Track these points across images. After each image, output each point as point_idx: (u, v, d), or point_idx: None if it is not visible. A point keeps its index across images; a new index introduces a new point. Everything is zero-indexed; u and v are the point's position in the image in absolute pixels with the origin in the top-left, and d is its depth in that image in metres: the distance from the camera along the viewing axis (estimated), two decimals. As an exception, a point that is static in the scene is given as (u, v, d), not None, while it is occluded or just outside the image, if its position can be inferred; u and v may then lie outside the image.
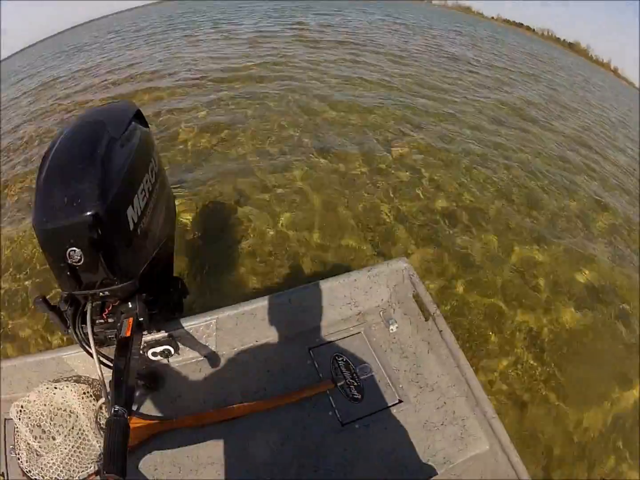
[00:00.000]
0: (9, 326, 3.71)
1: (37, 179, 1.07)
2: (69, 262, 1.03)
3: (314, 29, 15.17)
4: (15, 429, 1.58)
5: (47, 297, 1.16)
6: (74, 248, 1.02)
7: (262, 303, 1.49)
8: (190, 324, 1.43)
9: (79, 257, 1.03)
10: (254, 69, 8.76)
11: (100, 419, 1.40)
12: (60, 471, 1.41)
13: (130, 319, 1.14)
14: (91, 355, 1.13)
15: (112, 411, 0.94)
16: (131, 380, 1.06)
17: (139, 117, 1.25)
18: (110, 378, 1.03)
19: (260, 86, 7.62)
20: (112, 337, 1.17)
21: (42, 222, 1.03)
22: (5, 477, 1.52)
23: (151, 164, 1.24)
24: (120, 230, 1.08)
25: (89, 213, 1.00)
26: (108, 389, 1.04)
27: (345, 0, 26.21)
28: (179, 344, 1.44)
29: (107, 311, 1.18)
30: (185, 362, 1.52)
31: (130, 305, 1.16)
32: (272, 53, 10.43)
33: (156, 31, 20.14)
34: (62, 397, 1.52)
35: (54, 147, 1.09)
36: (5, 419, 1.69)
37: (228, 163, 4.93)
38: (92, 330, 1.11)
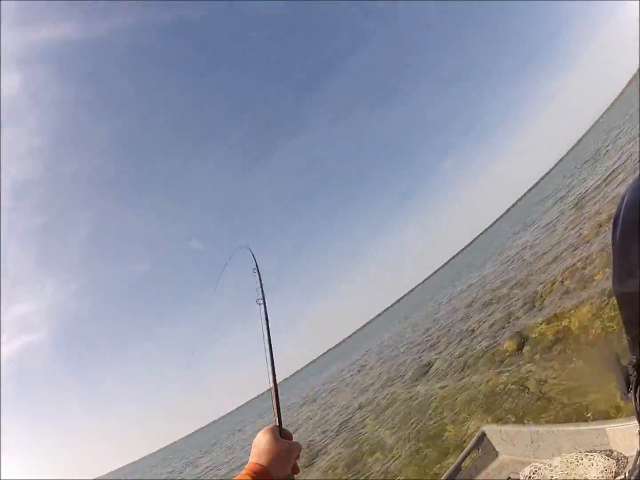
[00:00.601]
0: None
1: (612, 237, 1.07)
2: None
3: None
4: None
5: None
6: None
7: None
8: None
9: None
10: None
11: None
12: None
13: None
14: None
15: None
16: None
17: None
18: None
19: None
20: None
21: (621, 280, 1.02)
22: None
23: None
24: None
25: None
26: (631, 466, 1.07)
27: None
28: None
29: None
30: None
31: None
32: None
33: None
34: (584, 470, 1.63)
35: (624, 204, 1.08)
36: (510, 477, 1.90)
37: None
38: None
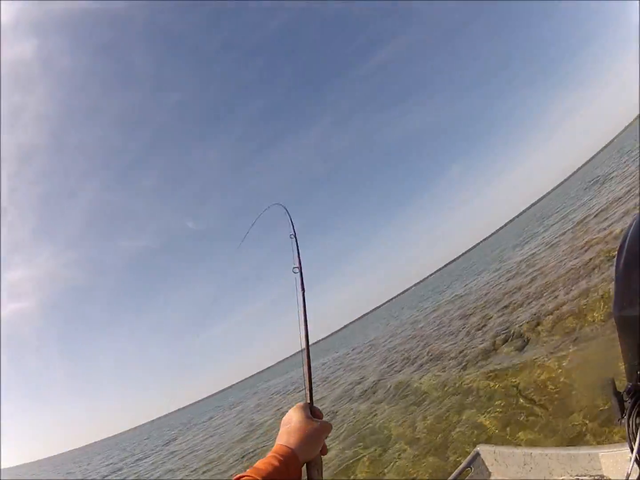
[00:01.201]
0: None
1: (615, 266, 1.10)
2: None
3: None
4: None
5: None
6: None
7: None
8: None
9: None
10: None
11: None
12: None
13: None
14: (631, 449, 1.10)
15: None
16: None
17: None
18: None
19: None
20: None
21: (622, 307, 1.05)
22: None
23: None
24: None
25: None
26: None
27: None
28: None
29: None
30: None
31: None
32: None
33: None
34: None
35: (629, 233, 1.11)
36: None
37: None
38: (637, 425, 1.09)
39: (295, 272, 1.18)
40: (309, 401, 1.17)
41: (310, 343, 1.17)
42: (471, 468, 2.24)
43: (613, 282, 1.10)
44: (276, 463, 1.15)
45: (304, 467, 1.18)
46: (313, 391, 1.19)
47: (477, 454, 2.31)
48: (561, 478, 1.65)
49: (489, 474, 2.22)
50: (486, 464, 2.25)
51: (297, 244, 1.22)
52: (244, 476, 1.15)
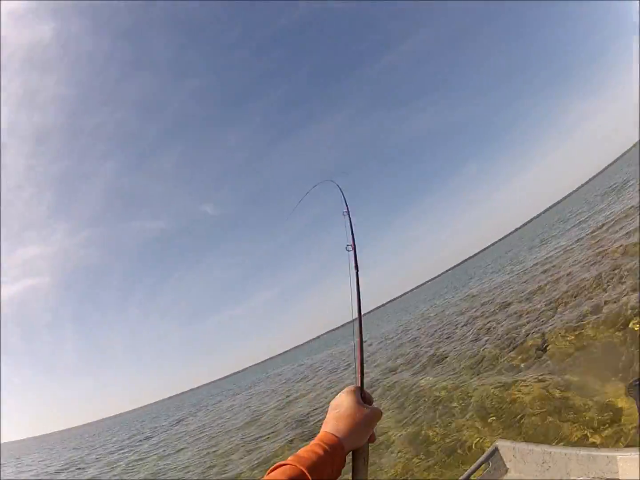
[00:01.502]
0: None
1: None
2: None
3: None
4: None
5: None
6: None
7: None
8: None
9: None
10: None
11: None
12: None
13: None
14: None
15: None
16: None
17: None
18: None
19: None
20: None
21: None
22: None
23: None
24: None
25: None
26: None
27: None
28: None
29: None
30: None
31: None
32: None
33: None
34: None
35: None
36: None
37: None
38: None
39: (348, 250, 1.14)
40: (359, 384, 1.11)
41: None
42: (489, 463, 2.19)
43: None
44: (320, 452, 1.09)
45: (350, 455, 1.12)
46: (355, 379, 1.12)
47: (496, 449, 2.25)
48: (579, 479, 1.65)
49: (507, 470, 2.17)
50: (504, 459, 2.20)
51: (350, 221, 1.16)
52: (285, 464, 1.09)
